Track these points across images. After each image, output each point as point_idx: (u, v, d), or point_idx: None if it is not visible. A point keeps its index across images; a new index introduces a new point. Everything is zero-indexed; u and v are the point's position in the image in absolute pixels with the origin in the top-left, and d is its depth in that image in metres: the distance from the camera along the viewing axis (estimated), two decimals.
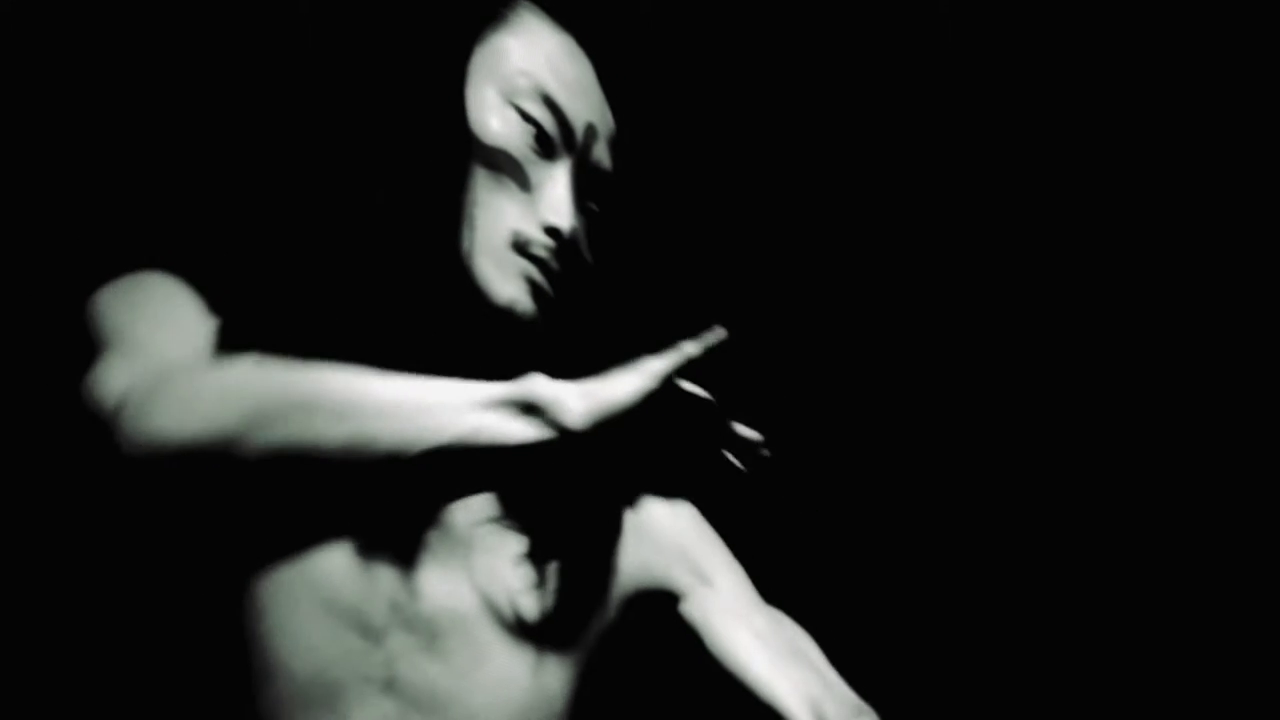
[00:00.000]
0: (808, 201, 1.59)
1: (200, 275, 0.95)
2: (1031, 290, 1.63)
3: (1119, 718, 1.53)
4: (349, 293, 0.94)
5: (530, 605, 0.96)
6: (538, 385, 0.86)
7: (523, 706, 0.95)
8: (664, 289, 1.32)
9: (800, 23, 1.52)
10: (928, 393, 1.62)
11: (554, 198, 0.98)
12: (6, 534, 1.25)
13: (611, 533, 1.05)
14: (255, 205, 1.16)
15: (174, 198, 1.31)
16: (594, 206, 1.03)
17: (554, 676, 0.98)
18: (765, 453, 0.88)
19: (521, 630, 0.95)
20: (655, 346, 0.87)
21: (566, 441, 0.86)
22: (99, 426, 0.84)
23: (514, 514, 0.99)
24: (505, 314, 0.97)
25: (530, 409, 0.86)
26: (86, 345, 0.91)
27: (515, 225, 0.97)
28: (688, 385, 0.88)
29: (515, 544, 0.98)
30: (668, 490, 1.11)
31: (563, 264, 0.98)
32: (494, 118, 0.97)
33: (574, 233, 0.99)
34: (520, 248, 0.97)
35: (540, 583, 0.97)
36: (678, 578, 1.07)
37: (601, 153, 1.02)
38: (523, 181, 0.97)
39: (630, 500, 1.08)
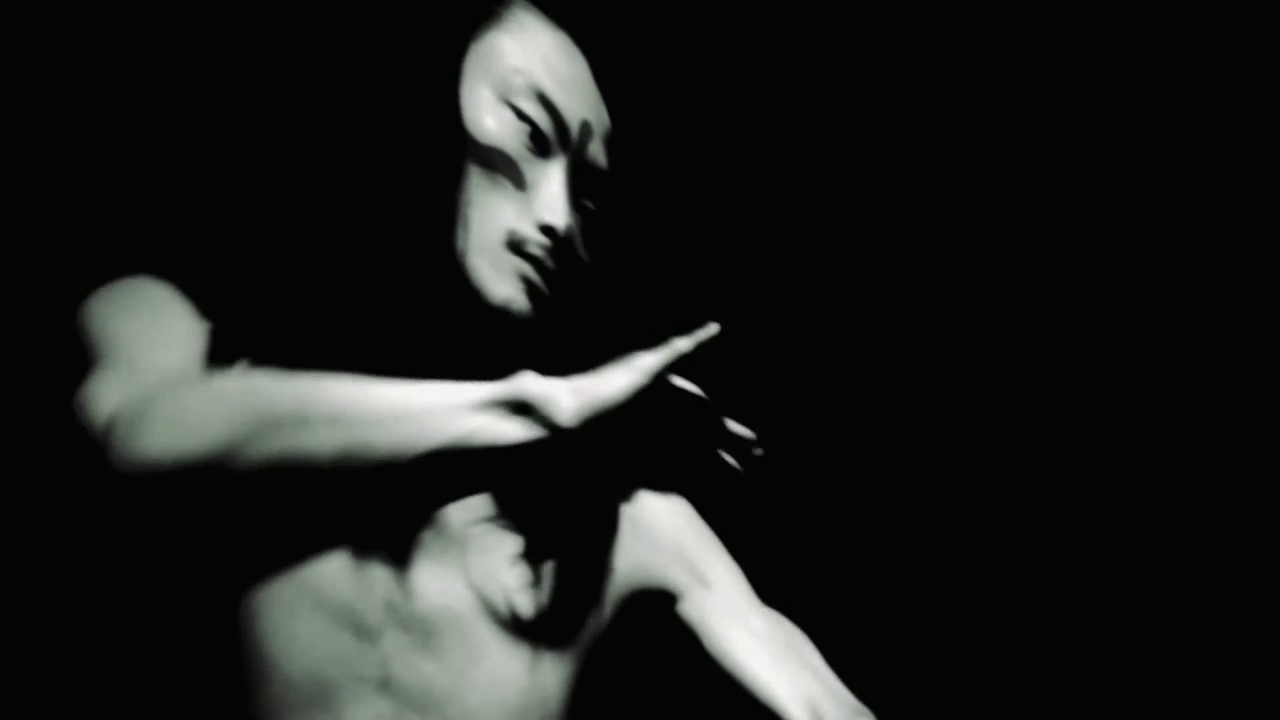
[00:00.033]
0: (804, 198, 1.59)
1: (192, 276, 0.94)
2: (1028, 287, 1.63)
3: (1117, 718, 1.53)
4: (344, 293, 0.94)
5: (526, 604, 0.96)
6: (528, 383, 0.86)
7: (518, 705, 0.95)
8: (660, 286, 1.32)
9: (798, 21, 1.52)
10: (923, 391, 1.62)
11: (549, 196, 0.98)
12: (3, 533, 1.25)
13: (608, 532, 1.05)
14: (249, 205, 1.16)
15: (167, 197, 1.31)
16: (590, 204, 1.03)
17: (550, 675, 0.97)
18: (758, 451, 0.88)
19: (517, 629, 0.95)
20: (650, 343, 0.87)
21: (559, 439, 0.85)
22: (91, 444, 0.84)
23: (509, 513, 0.98)
24: (501, 313, 0.97)
25: (522, 408, 0.86)
26: (79, 351, 0.91)
27: (510, 224, 0.97)
28: (680, 381, 0.87)
29: (510, 543, 0.97)
30: (663, 488, 1.11)
31: (558, 262, 0.98)
32: (489, 116, 0.97)
33: (569, 231, 0.98)
34: (515, 246, 0.97)
35: (536, 581, 0.97)
36: (675, 577, 1.07)
37: (597, 150, 1.02)
38: (518, 180, 0.97)
39: (627, 499, 1.08)
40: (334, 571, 0.91)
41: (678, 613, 1.07)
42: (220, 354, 0.92)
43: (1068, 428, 1.62)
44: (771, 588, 1.09)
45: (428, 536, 0.94)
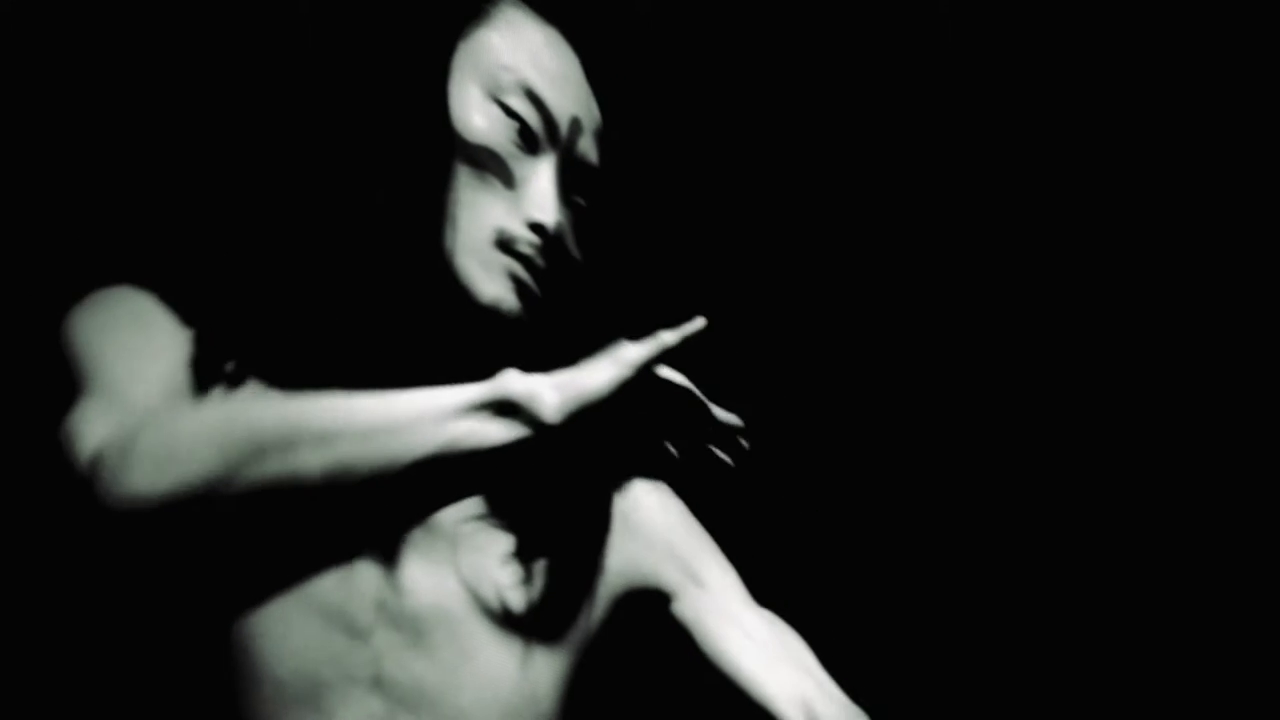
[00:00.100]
0: (796, 192, 1.59)
1: (176, 280, 0.95)
2: (1023, 282, 1.63)
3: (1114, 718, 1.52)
4: (332, 295, 0.94)
5: (517, 601, 0.95)
6: (511, 382, 0.85)
7: (510, 703, 0.95)
8: (650, 282, 1.32)
9: (793, 16, 1.52)
10: (914, 387, 1.61)
11: (538, 193, 0.98)
12: None
13: (599, 529, 1.05)
14: (235, 206, 1.16)
15: (150, 197, 1.31)
16: (580, 200, 1.03)
17: (542, 673, 0.97)
18: (745, 443, 0.87)
19: (508, 627, 0.95)
20: (639, 338, 0.87)
21: (545, 436, 0.85)
22: (78, 479, 0.84)
23: (500, 510, 0.98)
24: (490, 312, 0.96)
25: (506, 408, 0.85)
26: (63, 365, 0.91)
27: (499, 222, 0.97)
28: (668, 372, 0.87)
29: (501, 540, 0.97)
30: (653, 483, 1.11)
31: (548, 260, 0.98)
32: (477, 114, 0.97)
33: (559, 228, 0.98)
34: (505, 245, 0.96)
35: (527, 579, 0.96)
36: (668, 576, 1.07)
37: (587, 146, 1.01)
38: (507, 178, 0.97)
39: (619, 497, 1.07)
40: (324, 571, 0.91)
41: (671, 612, 1.07)
42: (206, 359, 0.92)
43: (1061, 420, 1.62)
44: (764, 587, 1.09)
45: (418, 534, 0.94)
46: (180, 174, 1.32)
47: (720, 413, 0.87)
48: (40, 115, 1.32)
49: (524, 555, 0.97)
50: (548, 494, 1.00)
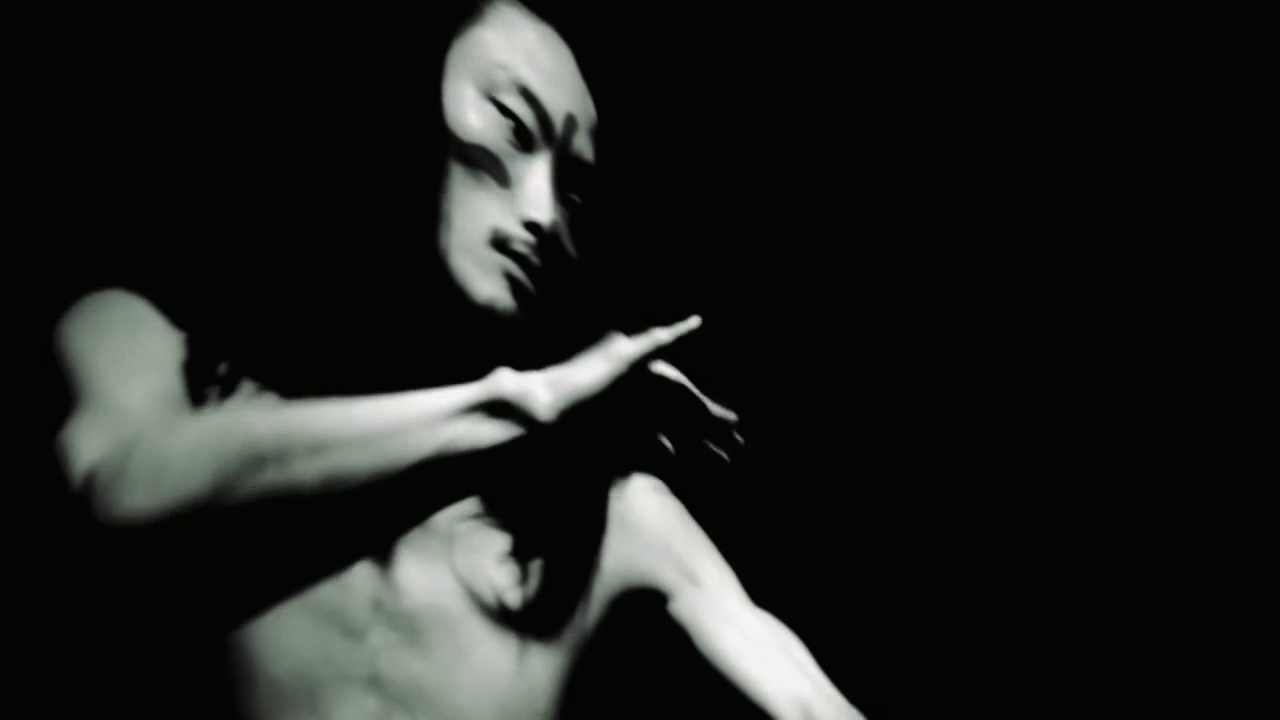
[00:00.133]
0: (794, 189, 1.59)
1: (169, 280, 0.94)
2: (1021, 281, 1.62)
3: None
4: (326, 295, 0.94)
5: (513, 600, 0.95)
6: (504, 382, 0.84)
7: (507, 702, 0.94)
8: (648, 280, 1.31)
9: (789, 14, 1.52)
10: (910, 387, 1.61)
11: (533, 191, 0.97)
12: None
13: (596, 529, 1.04)
14: (227, 205, 1.15)
15: (143, 197, 1.31)
16: (576, 198, 1.02)
17: (539, 672, 0.97)
18: (739, 438, 0.86)
19: (505, 626, 0.95)
20: (635, 336, 0.86)
21: (540, 435, 0.84)
22: (72, 496, 0.83)
23: (496, 509, 0.98)
24: (486, 312, 0.96)
25: (500, 408, 0.84)
26: (55, 373, 0.90)
27: (494, 221, 0.96)
28: (663, 368, 0.86)
29: (497, 539, 0.97)
30: (649, 481, 1.11)
31: (544, 258, 0.98)
32: (472, 113, 0.96)
33: (554, 226, 0.98)
34: (500, 244, 0.96)
35: (523, 578, 0.96)
36: (665, 576, 1.07)
37: (582, 143, 1.01)
38: (501, 177, 0.97)
39: (615, 497, 1.07)
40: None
41: (668, 612, 1.07)
42: (199, 362, 0.92)
43: (1056, 416, 1.62)
44: (761, 587, 1.09)
45: (414, 533, 0.93)
46: (172, 174, 1.31)
47: (715, 408, 0.87)
48: (32, 115, 1.32)
49: (520, 554, 0.97)
50: (544, 493, 1.00)
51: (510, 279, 0.96)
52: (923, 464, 1.61)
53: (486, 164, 0.96)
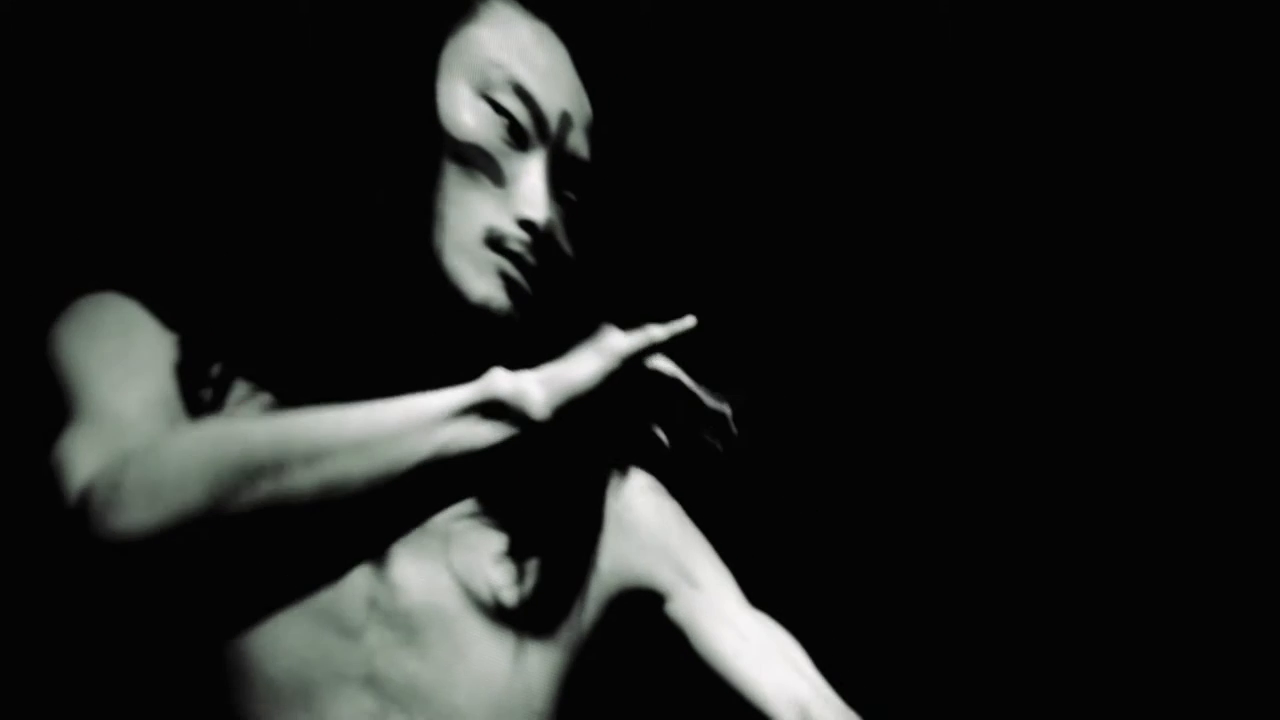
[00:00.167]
0: (790, 185, 1.58)
1: (162, 282, 0.94)
2: (1017, 278, 1.63)
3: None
4: (320, 296, 0.93)
5: (510, 599, 0.95)
6: (497, 381, 0.83)
7: (504, 701, 0.94)
8: (644, 277, 1.31)
9: (785, 10, 1.52)
10: (907, 389, 1.61)
11: (528, 190, 0.97)
12: None
13: (592, 529, 1.04)
14: (220, 207, 1.15)
15: (134, 197, 1.31)
16: (572, 196, 1.02)
17: (536, 671, 0.97)
18: (734, 428, 0.86)
19: (501, 624, 0.94)
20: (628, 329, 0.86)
21: (536, 433, 0.84)
22: (68, 512, 0.83)
23: (492, 508, 0.98)
24: (481, 312, 0.96)
25: (495, 408, 0.83)
26: (48, 373, 0.90)
27: (489, 220, 0.96)
28: (657, 362, 0.85)
29: (493, 538, 0.97)
30: (648, 484, 1.11)
31: (539, 257, 0.97)
32: (466, 112, 0.96)
33: (550, 224, 0.98)
34: (494, 243, 0.96)
35: (520, 577, 0.96)
36: (662, 576, 1.07)
37: (578, 141, 1.01)
38: (496, 176, 0.97)
39: (611, 497, 1.07)
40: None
41: (665, 613, 1.06)
42: (194, 363, 0.91)
43: (1052, 412, 1.62)
44: (758, 589, 1.09)
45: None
46: (164, 174, 1.31)
47: (710, 399, 0.86)
48: (22, 116, 1.32)
49: (517, 553, 0.97)
50: (541, 491, 1.00)
51: (505, 278, 0.96)
52: (919, 465, 1.61)
53: (481, 163, 0.96)
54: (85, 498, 0.82)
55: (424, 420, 0.82)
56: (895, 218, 1.62)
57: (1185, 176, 1.58)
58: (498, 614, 0.94)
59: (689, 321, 0.83)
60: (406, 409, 0.83)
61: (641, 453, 0.86)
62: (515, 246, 0.96)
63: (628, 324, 0.85)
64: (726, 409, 0.86)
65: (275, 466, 0.80)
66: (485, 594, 0.94)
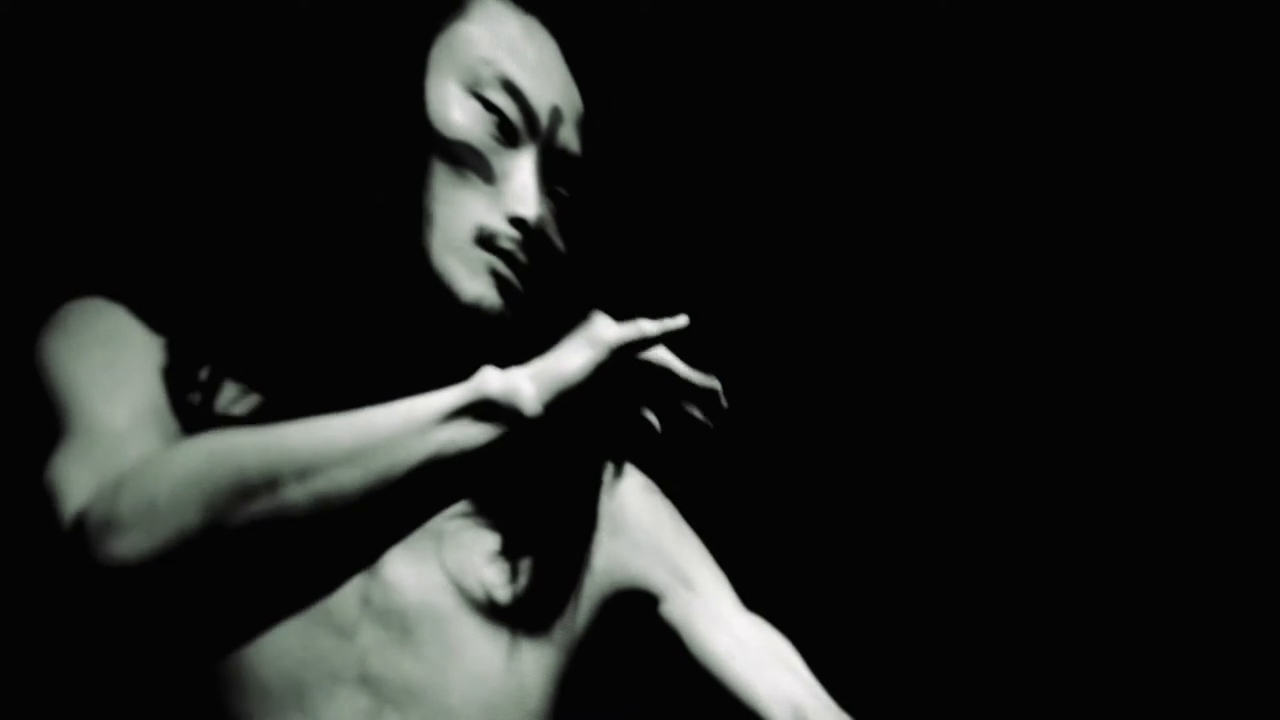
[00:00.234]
0: (783, 180, 1.58)
1: (149, 285, 0.94)
2: (1020, 280, 1.62)
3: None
4: (309, 297, 0.93)
5: (503, 598, 0.95)
6: (488, 381, 0.82)
7: (498, 700, 0.94)
8: (637, 272, 1.31)
9: (781, 6, 1.52)
10: (905, 388, 1.61)
11: (519, 187, 0.97)
12: None
13: (586, 528, 1.04)
14: (206, 207, 1.15)
15: (120, 197, 1.31)
16: (563, 191, 1.02)
17: (530, 670, 0.96)
18: (724, 403, 0.85)
19: (495, 623, 0.94)
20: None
21: (529, 429, 0.83)
22: (62, 537, 0.83)
23: (486, 506, 0.97)
24: (473, 311, 0.95)
25: (487, 408, 0.82)
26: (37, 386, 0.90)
27: (480, 218, 0.96)
28: (657, 355, 0.84)
29: (488, 537, 0.96)
30: (643, 485, 1.10)
31: (531, 254, 0.97)
32: (456, 110, 0.96)
33: (541, 221, 0.97)
34: (485, 241, 0.95)
35: (513, 576, 0.96)
36: (656, 578, 1.06)
37: (568, 136, 1.00)
38: (486, 173, 0.96)
39: (606, 497, 1.06)
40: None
41: (660, 614, 1.06)
42: (182, 367, 0.91)
43: (1048, 410, 1.62)
44: (754, 591, 1.09)
45: None
46: (150, 174, 1.31)
47: (697, 376, 0.85)
48: (9, 118, 1.32)
49: (510, 551, 0.96)
50: (534, 490, 0.99)
51: (497, 277, 0.96)
52: (914, 467, 1.61)
53: (471, 160, 0.96)
54: (81, 524, 0.82)
55: (416, 426, 0.81)
56: (889, 209, 1.62)
57: (1185, 176, 1.58)
58: (491, 613, 0.94)
59: (681, 321, 0.83)
60: (398, 415, 0.82)
61: (633, 438, 0.85)
62: (506, 244, 0.96)
63: (620, 319, 0.84)
64: (716, 384, 0.85)
65: (269, 484, 0.80)
66: (479, 593, 0.94)
